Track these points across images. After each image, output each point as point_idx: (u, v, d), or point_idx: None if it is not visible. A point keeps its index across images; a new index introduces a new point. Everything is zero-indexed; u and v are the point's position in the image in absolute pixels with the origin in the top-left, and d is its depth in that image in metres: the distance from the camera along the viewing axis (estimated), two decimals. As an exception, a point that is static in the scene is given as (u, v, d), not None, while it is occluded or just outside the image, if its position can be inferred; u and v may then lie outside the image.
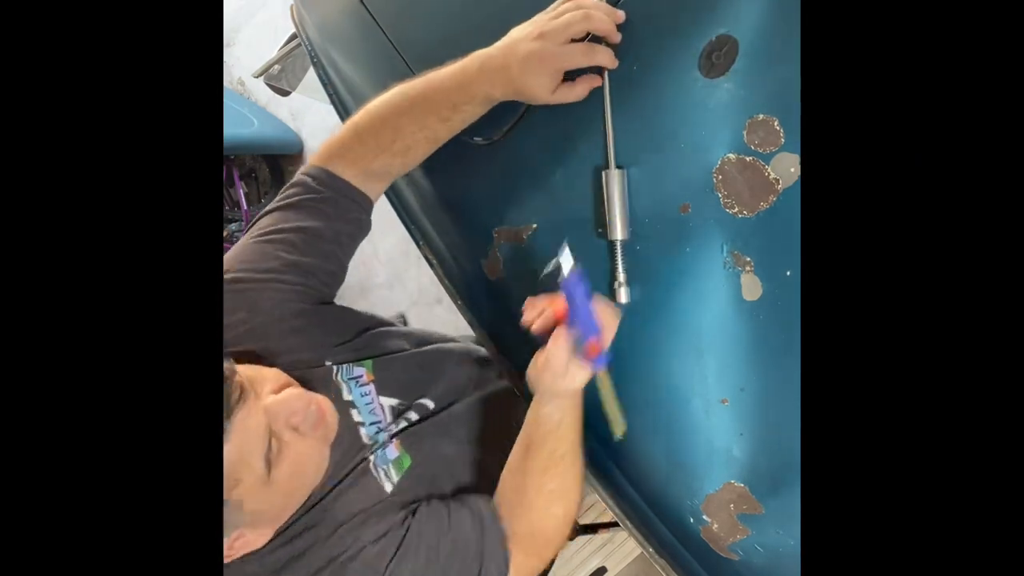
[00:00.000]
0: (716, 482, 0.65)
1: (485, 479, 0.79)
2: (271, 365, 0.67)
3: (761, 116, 0.58)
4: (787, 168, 0.58)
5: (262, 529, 0.61)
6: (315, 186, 0.74)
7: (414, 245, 0.89)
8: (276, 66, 1.37)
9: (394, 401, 0.78)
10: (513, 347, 0.80)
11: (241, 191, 2.50)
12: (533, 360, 0.65)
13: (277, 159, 2.66)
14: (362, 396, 0.75)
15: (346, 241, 0.76)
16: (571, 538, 1.49)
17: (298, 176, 0.76)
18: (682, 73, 0.62)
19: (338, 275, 0.79)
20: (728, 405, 0.63)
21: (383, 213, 0.84)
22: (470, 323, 0.84)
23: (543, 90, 0.65)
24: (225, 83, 2.80)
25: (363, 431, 0.73)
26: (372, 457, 0.71)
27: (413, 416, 0.78)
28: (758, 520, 0.63)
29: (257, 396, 0.59)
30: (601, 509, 1.49)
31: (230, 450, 0.55)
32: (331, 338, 0.76)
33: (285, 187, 0.77)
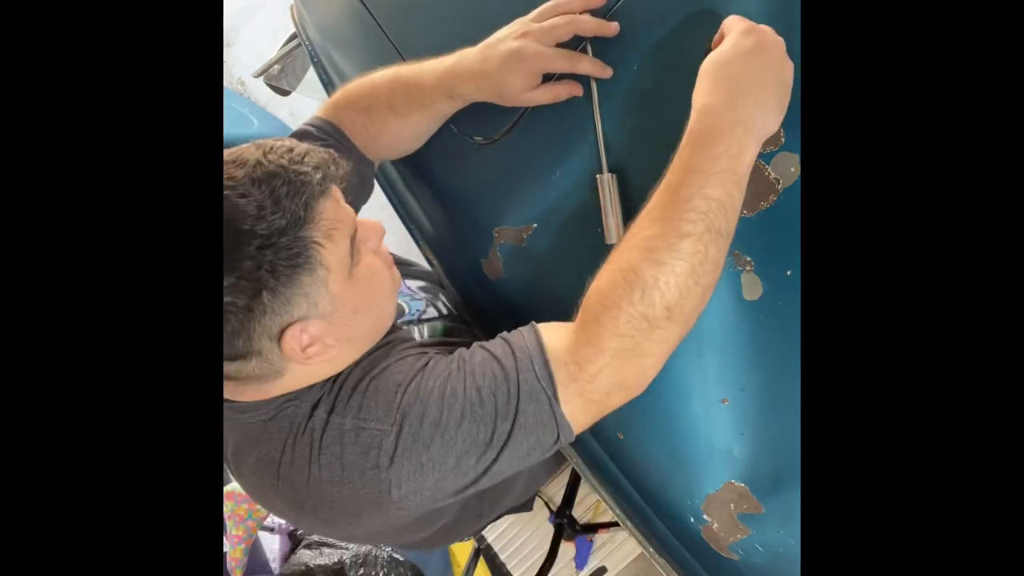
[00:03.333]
0: (716, 482, 0.65)
1: None
2: None
3: (761, 116, 0.58)
4: (787, 168, 0.58)
5: (334, 343, 0.58)
6: (320, 135, 0.75)
7: (414, 245, 0.89)
8: (276, 66, 1.37)
9: (420, 283, 0.79)
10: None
11: (241, 191, 2.50)
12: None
13: (277, 159, 2.65)
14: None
15: (349, 194, 0.74)
16: (570, 538, 1.49)
17: (301, 126, 0.77)
18: (682, 73, 0.62)
19: None
20: (728, 405, 0.63)
21: (384, 213, 0.84)
22: (470, 323, 0.84)
23: (514, 89, 0.66)
24: (225, 83, 2.80)
25: (401, 302, 0.74)
26: (406, 327, 0.72)
27: (444, 309, 0.80)
28: (758, 520, 0.63)
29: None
30: (601, 509, 1.49)
31: (333, 206, 0.56)
32: None
33: (290, 135, 0.76)
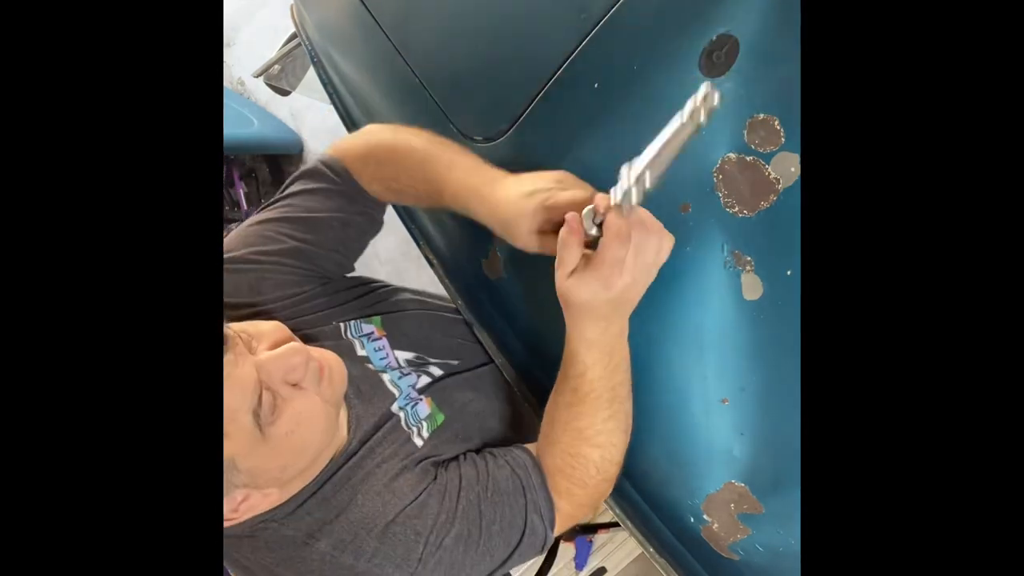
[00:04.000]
0: (716, 482, 0.65)
1: (520, 434, 0.79)
2: (269, 318, 0.65)
3: (761, 116, 0.58)
4: (787, 168, 0.58)
5: (267, 489, 0.58)
6: (330, 175, 0.74)
7: (414, 245, 0.89)
8: (276, 66, 1.37)
9: (409, 355, 0.77)
10: (514, 347, 0.80)
11: (241, 191, 2.50)
12: (565, 266, 0.58)
13: (277, 159, 2.65)
14: (376, 351, 0.74)
15: (354, 234, 0.76)
16: (569, 539, 1.49)
17: (314, 163, 0.76)
18: (682, 72, 0.62)
19: (344, 265, 0.78)
20: (728, 405, 0.63)
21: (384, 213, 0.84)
22: (470, 323, 0.84)
23: (523, 240, 0.64)
24: (225, 83, 2.80)
25: (386, 378, 0.72)
26: (402, 414, 0.70)
27: (437, 372, 0.77)
28: (758, 520, 0.63)
29: (252, 351, 0.57)
30: (601, 509, 1.49)
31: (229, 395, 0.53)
32: (336, 299, 0.75)
33: (300, 172, 0.76)
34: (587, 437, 0.66)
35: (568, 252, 0.57)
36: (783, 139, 0.58)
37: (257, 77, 1.41)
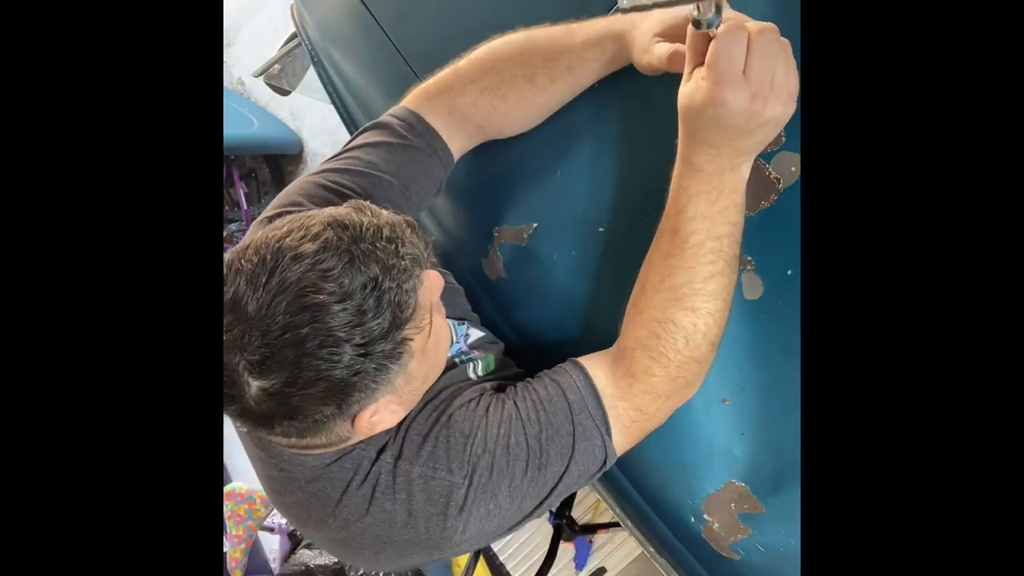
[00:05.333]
0: (717, 481, 0.65)
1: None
2: None
3: (761, 115, 0.58)
4: (788, 167, 0.58)
5: (397, 409, 0.57)
6: (400, 130, 0.71)
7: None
8: (276, 66, 1.37)
9: (454, 319, 0.76)
10: (514, 347, 0.80)
11: (241, 191, 2.50)
12: (697, 83, 0.52)
13: (277, 159, 2.66)
14: None
15: (415, 195, 0.72)
16: (569, 539, 1.49)
17: (385, 116, 0.73)
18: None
19: None
20: (729, 404, 0.63)
21: (383, 213, 0.84)
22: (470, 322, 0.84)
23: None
24: (225, 83, 2.80)
25: (450, 324, 0.72)
26: (458, 358, 0.71)
27: (485, 331, 0.78)
28: (759, 519, 0.63)
29: None
30: (601, 509, 1.49)
31: (424, 292, 0.53)
32: None
33: (369, 124, 0.73)
34: (681, 297, 0.57)
35: (686, 54, 0.53)
36: (783, 139, 0.58)
37: (257, 77, 1.41)
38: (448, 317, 0.74)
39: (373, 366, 0.50)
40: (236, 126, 2.37)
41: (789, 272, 0.59)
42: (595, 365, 0.63)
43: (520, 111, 0.70)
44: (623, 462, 0.71)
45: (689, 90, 0.53)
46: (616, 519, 0.75)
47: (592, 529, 1.45)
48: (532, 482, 0.60)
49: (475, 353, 0.73)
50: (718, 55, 0.49)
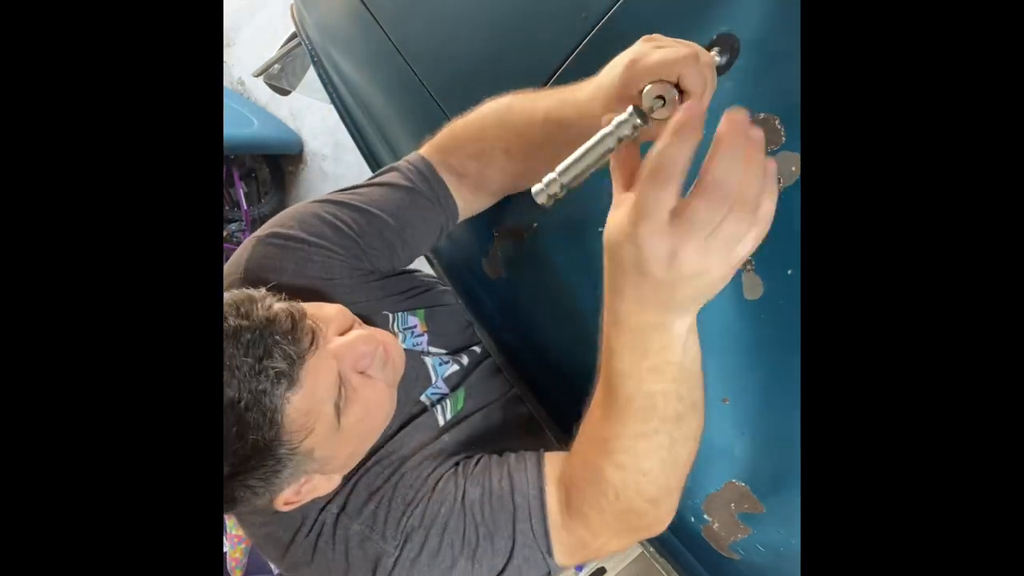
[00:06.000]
0: (717, 481, 0.65)
1: (536, 424, 0.76)
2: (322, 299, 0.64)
3: (762, 115, 0.58)
4: (788, 167, 0.58)
5: (331, 475, 0.58)
6: (407, 174, 0.71)
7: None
8: (276, 66, 1.37)
9: (442, 352, 0.76)
10: (514, 347, 0.80)
11: (241, 191, 2.50)
12: (620, 216, 0.43)
13: (277, 159, 2.66)
14: (414, 347, 0.74)
15: (411, 239, 0.72)
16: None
17: (401, 160, 0.73)
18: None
19: (394, 265, 0.75)
20: (729, 404, 0.63)
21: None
22: (470, 323, 0.84)
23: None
24: (225, 83, 2.80)
25: (427, 362, 0.72)
26: (429, 400, 0.70)
27: (464, 360, 0.77)
28: (759, 519, 0.63)
29: (324, 338, 0.55)
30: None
31: (302, 399, 0.51)
32: (385, 288, 0.73)
33: (381, 170, 0.74)
34: (609, 451, 0.53)
35: (615, 169, 0.45)
36: (783, 139, 0.58)
37: (257, 77, 1.41)
38: (433, 350, 0.74)
39: (254, 479, 0.51)
40: (236, 126, 2.37)
41: (789, 272, 0.59)
42: (553, 470, 0.61)
43: (505, 179, 0.70)
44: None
45: (612, 219, 0.43)
46: (616, 519, 0.75)
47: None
48: (464, 572, 0.59)
49: (446, 391, 0.73)
50: (643, 178, 0.40)
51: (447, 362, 0.75)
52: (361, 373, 0.58)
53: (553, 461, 0.62)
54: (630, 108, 0.44)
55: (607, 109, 0.48)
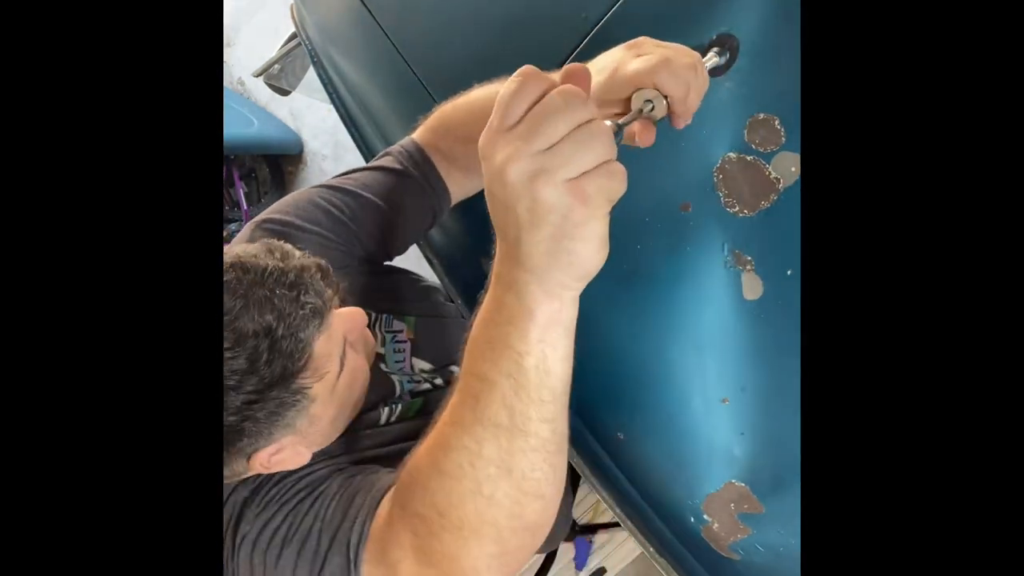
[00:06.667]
0: (717, 481, 0.65)
1: None
2: None
3: (762, 115, 0.58)
4: (788, 167, 0.58)
5: (302, 449, 0.57)
6: (400, 159, 0.72)
7: (415, 245, 0.89)
8: (276, 66, 1.37)
9: (427, 366, 0.76)
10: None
11: (241, 191, 2.50)
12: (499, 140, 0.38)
13: (277, 159, 2.65)
14: (394, 353, 0.74)
15: (402, 223, 0.72)
16: (570, 539, 1.48)
17: (394, 145, 0.74)
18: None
19: (386, 252, 0.75)
20: (729, 404, 0.63)
21: (383, 213, 0.84)
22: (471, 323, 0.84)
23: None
24: (225, 83, 2.80)
25: (395, 380, 0.72)
26: (386, 410, 0.70)
27: (439, 381, 0.76)
28: (759, 520, 0.63)
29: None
30: (601, 509, 1.49)
31: (324, 341, 0.53)
32: (374, 284, 0.73)
33: (382, 152, 0.75)
34: (438, 447, 0.45)
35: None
36: (783, 139, 0.58)
37: (257, 77, 1.41)
38: (416, 361, 0.74)
39: (264, 413, 0.50)
40: (236, 126, 2.37)
41: (789, 272, 0.59)
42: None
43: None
44: (623, 462, 0.71)
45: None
46: (616, 519, 0.75)
47: (592, 529, 1.45)
48: (287, 561, 0.54)
49: (399, 404, 0.70)
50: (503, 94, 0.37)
51: (418, 382, 0.74)
52: (350, 344, 0.60)
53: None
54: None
55: (600, 96, 0.49)
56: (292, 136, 2.59)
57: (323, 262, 0.56)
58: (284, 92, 1.45)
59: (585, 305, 0.72)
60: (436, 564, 0.46)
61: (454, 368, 0.78)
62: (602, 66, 0.49)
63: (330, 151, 2.53)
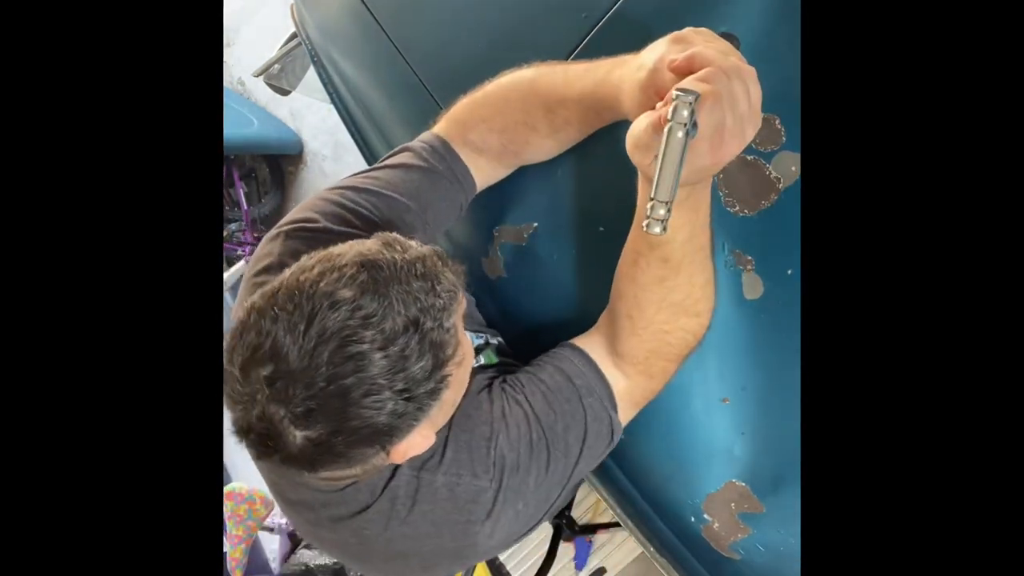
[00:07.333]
0: (717, 481, 0.65)
1: None
2: None
3: (762, 115, 0.58)
4: (788, 167, 0.58)
5: (428, 433, 0.56)
6: (423, 154, 0.70)
7: (415, 244, 0.89)
8: (276, 66, 1.37)
9: (472, 335, 0.76)
10: (515, 347, 0.80)
11: (241, 191, 2.50)
12: (638, 123, 0.49)
13: (277, 159, 2.66)
14: None
15: (432, 220, 0.72)
16: (569, 539, 1.48)
17: (414, 140, 0.72)
18: (682, 72, 0.62)
19: None
20: (729, 404, 0.63)
21: (383, 213, 0.84)
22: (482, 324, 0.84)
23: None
24: (225, 83, 2.80)
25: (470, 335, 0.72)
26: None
27: (492, 340, 0.77)
28: (759, 519, 0.63)
29: None
30: (601, 509, 1.49)
31: (458, 323, 0.53)
32: None
33: (398, 148, 0.73)
34: (686, 308, 0.60)
35: (650, 136, 0.49)
36: (784, 138, 0.58)
37: (257, 77, 1.41)
38: (471, 331, 0.74)
39: (414, 407, 0.50)
40: (236, 126, 2.37)
41: (789, 272, 0.59)
42: (594, 345, 0.65)
43: (529, 152, 0.71)
44: (623, 462, 0.71)
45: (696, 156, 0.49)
46: (616, 519, 0.75)
47: (592, 529, 1.45)
48: (555, 472, 0.61)
49: (482, 345, 0.74)
50: (719, 122, 0.47)
51: (480, 335, 0.76)
52: None
53: (586, 342, 0.66)
54: (674, 93, 0.45)
55: (640, 95, 0.54)
56: (292, 136, 2.59)
57: (437, 247, 0.55)
58: (284, 92, 1.45)
59: (586, 305, 0.72)
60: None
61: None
62: (646, 59, 0.54)
63: (330, 151, 2.53)
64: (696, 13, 0.62)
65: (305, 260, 0.50)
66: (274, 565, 1.98)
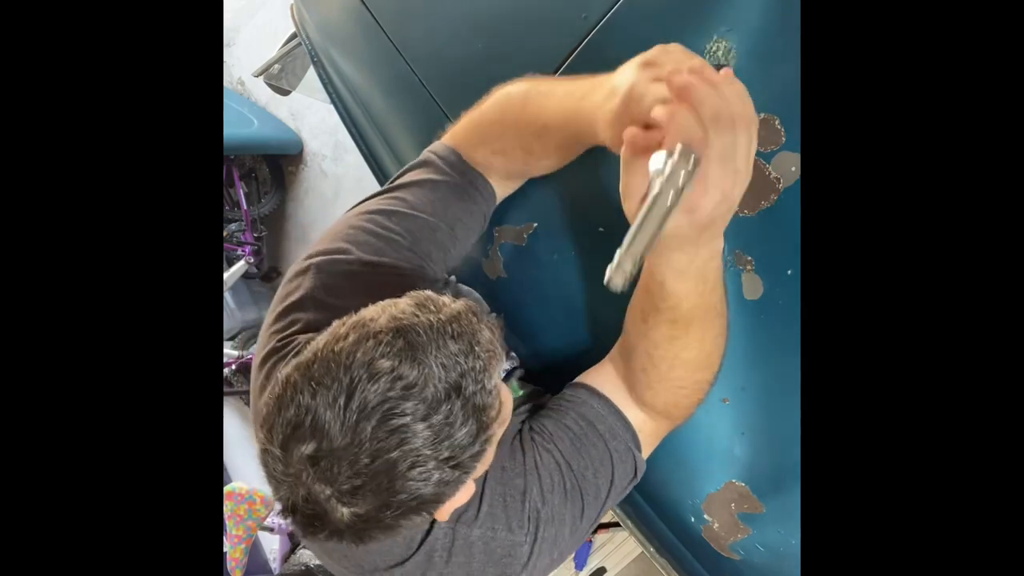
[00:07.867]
0: (717, 481, 0.65)
1: None
2: None
3: (762, 115, 0.58)
4: (788, 167, 0.58)
5: (471, 483, 0.55)
6: (442, 167, 0.69)
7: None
8: (276, 66, 1.37)
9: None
10: (515, 347, 0.80)
11: (241, 191, 2.50)
12: (630, 193, 0.48)
13: (277, 159, 2.66)
14: None
15: (460, 234, 0.71)
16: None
17: (426, 153, 0.71)
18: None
19: (447, 269, 0.74)
20: (729, 404, 0.63)
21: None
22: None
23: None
24: (225, 83, 2.80)
25: None
26: None
27: (506, 366, 0.76)
28: (759, 519, 0.63)
29: None
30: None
31: (498, 380, 0.51)
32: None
33: (413, 163, 0.72)
34: (699, 363, 0.60)
35: (630, 176, 0.48)
36: (783, 138, 0.58)
37: (257, 77, 1.41)
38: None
39: (460, 472, 0.49)
40: (236, 126, 2.37)
41: (789, 272, 0.59)
42: (611, 388, 0.65)
43: (532, 170, 0.71)
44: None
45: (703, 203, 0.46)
46: (616, 519, 0.75)
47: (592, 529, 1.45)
48: (588, 518, 0.62)
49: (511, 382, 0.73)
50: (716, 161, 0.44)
51: (511, 357, 0.76)
52: None
53: (602, 383, 0.66)
54: (678, 148, 0.41)
55: (615, 125, 0.51)
56: (292, 136, 2.59)
57: (470, 302, 0.53)
58: (284, 92, 1.45)
59: (586, 306, 0.72)
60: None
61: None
62: (616, 87, 0.51)
63: (330, 151, 2.53)
64: (696, 13, 0.62)
65: (337, 327, 0.49)
66: (274, 565, 1.98)
